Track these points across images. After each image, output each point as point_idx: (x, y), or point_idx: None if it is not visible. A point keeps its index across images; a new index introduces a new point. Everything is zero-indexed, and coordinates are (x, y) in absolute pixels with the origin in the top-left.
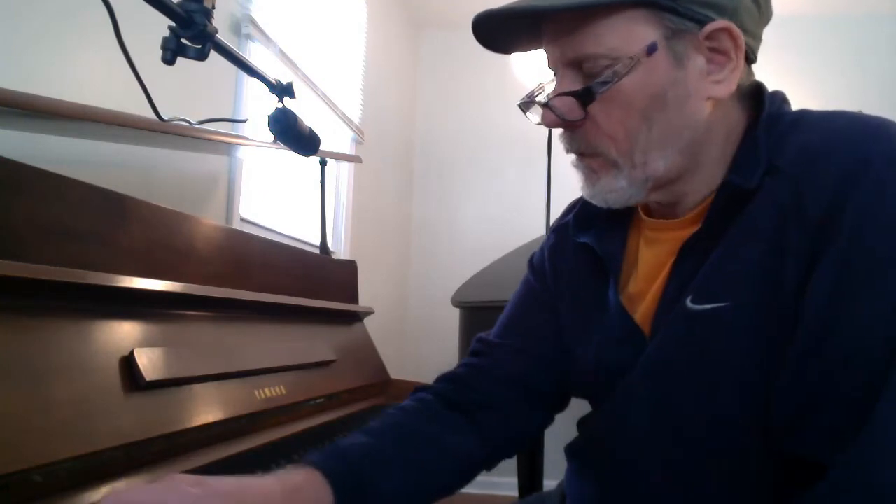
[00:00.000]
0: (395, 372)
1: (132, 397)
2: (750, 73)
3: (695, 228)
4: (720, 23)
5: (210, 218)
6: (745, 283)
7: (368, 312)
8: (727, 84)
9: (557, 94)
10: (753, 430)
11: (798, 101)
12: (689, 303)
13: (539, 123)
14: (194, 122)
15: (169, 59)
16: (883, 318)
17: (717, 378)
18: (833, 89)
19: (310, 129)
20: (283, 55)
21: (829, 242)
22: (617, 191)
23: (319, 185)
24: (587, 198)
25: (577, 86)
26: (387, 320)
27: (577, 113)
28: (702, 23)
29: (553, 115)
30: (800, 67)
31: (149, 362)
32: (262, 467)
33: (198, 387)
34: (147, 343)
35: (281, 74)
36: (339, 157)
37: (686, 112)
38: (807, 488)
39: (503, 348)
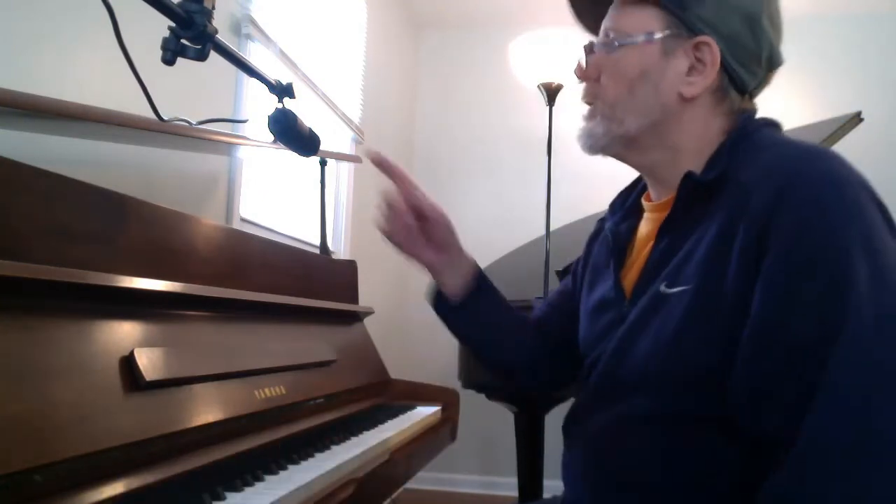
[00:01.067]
0: (395, 372)
1: (132, 397)
2: (745, 101)
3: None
4: (705, 37)
5: (210, 218)
6: (700, 269)
7: (368, 312)
8: (695, 87)
9: (586, 52)
10: (697, 399)
11: (798, 100)
12: (662, 287)
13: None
14: (194, 123)
15: (169, 60)
16: (816, 305)
17: (669, 346)
18: (833, 89)
19: (310, 129)
20: (283, 55)
21: (770, 241)
22: (595, 136)
23: (319, 185)
24: (577, 139)
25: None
26: (387, 320)
27: (591, 69)
28: (695, 34)
29: (577, 65)
30: (800, 67)
31: (149, 362)
32: (262, 467)
33: (198, 387)
34: (147, 343)
35: (281, 74)
36: (339, 157)
37: (659, 94)
38: (762, 461)
39: (544, 304)
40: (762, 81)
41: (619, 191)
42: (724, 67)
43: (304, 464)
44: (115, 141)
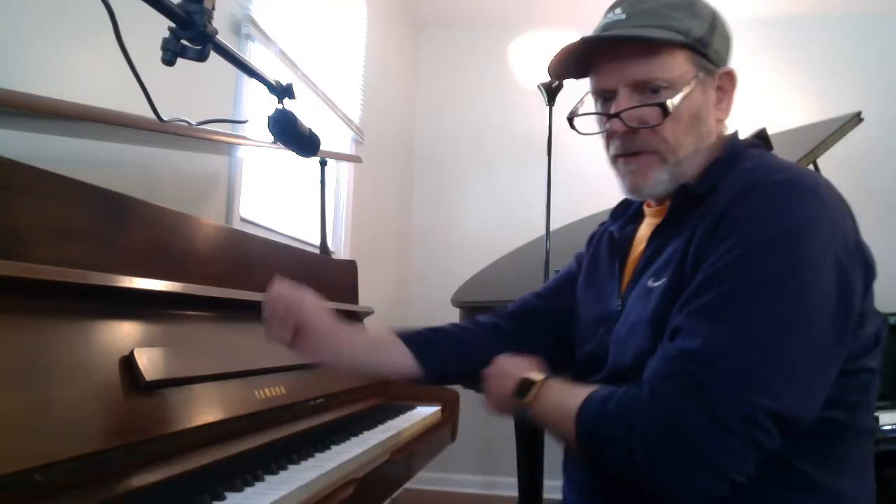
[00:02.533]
0: None
1: (132, 397)
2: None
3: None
4: (728, 67)
5: (210, 218)
6: (675, 264)
7: (368, 312)
8: (726, 112)
9: (633, 106)
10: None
11: (798, 100)
12: (649, 282)
13: (605, 131)
14: (194, 123)
15: (169, 60)
16: (722, 261)
17: (644, 332)
18: (833, 89)
19: (310, 130)
20: (283, 55)
21: (718, 232)
22: (661, 183)
23: (319, 185)
24: (631, 194)
25: (642, 101)
26: (387, 320)
27: (656, 119)
28: (717, 66)
29: (623, 124)
30: (800, 67)
31: (149, 362)
32: (263, 467)
33: (198, 387)
34: (147, 343)
35: (281, 74)
36: (339, 157)
37: (708, 128)
38: None
39: (534, 295)
40: None
41: (617, 189)
42: None
43: (304, 464)
44: (115, 141)
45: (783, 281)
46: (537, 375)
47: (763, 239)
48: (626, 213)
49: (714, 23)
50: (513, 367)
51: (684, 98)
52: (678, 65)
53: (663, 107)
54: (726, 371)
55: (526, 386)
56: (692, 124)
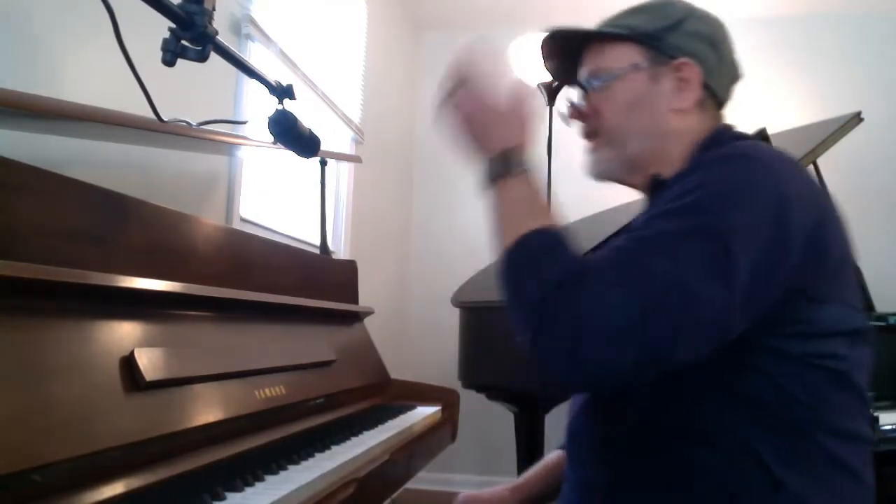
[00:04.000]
0: (395, 372)
1: (132, 397)
2: (719, 117)
3: None
4: (683, 59)
5: (210, 218)
6: None
7: (368, 312)
8: (686, 101)
9: (578, 96)
10: None
11: (798, 100)
12: None
13: (563, 116)
14: (194, 124)
15: (169, 61)
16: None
17: None
18: (833, 89)
19: (309, 130)
20: (283, 55)
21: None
22: (604, 162)
23: (319, 185)
24: (589, 175)
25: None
26: (387, 320)
27: (587, 107)
28: (673, 58)
29: (573, 110)
30: (800, 67)
31: (149, 362)
32: (263, 467)
33: (198, 387)
34: (147, 343)
35: (281, 74)
36: (339, 157)
37: (655, 115)
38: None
39: None
40: (728, 95)
41: (617, 191)
42: (703, 84)
43: (304, 464)
44: (116, 141)
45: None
46: (524, 162)
47: (703, 193)
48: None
49: (682, 20)
50: (518, 130)
51: (617, 82)
52: (620, 56)
53: (586, 87)
54: (655, 270)
55: (510, 159)
56: (632, 109)
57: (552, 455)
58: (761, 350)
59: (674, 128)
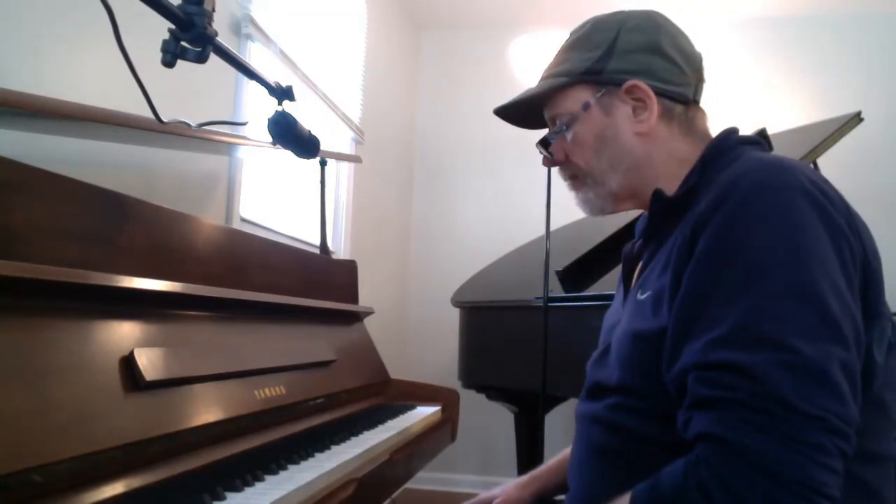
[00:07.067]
0: (395, 372)
1: (132, 397)
2: (698, 111)
3: None
4: (631, 82)
5: (210, 218)
6: (657, 275)
7: (368, 312)
8: (646, 123)
9: (543, 143)
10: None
11: (798, 100)
12: (638, 295)
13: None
14: (194, 125)
15: (169, 62)
16: (727, 305)
17: (628, 341)
18: (833, 89)
19: (309, 132)
20: (283, 55)
21: (699, 240)
22: (589, 201)
23: (319, 186)
24: (579, 207)
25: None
26: (387, 320)
27: (557, 154)
28: (620, 84)
29: (545, 159)
30: (800, 67)
31: (149, 362)
32: (263, 467)
33: (198, 387)
34: (147, 343)
35: (281, 74)
36: (339, 157)
37: (621, 144)
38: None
39: None
40: (696, 82)
41: None
42: (659, 94)
43: (304, 464)
44: (115, 141)
45: (794, 291)
46: None
47: (756, 256)
48: (640, 229)
49: (613, 43)
50: None
51: (576, 125)
52: (570, 100)
53: (546, 140)
54: (786, 391)
55: None
56: (599, 146)
57: (568, 450)
58: None
59: (645, 150)
